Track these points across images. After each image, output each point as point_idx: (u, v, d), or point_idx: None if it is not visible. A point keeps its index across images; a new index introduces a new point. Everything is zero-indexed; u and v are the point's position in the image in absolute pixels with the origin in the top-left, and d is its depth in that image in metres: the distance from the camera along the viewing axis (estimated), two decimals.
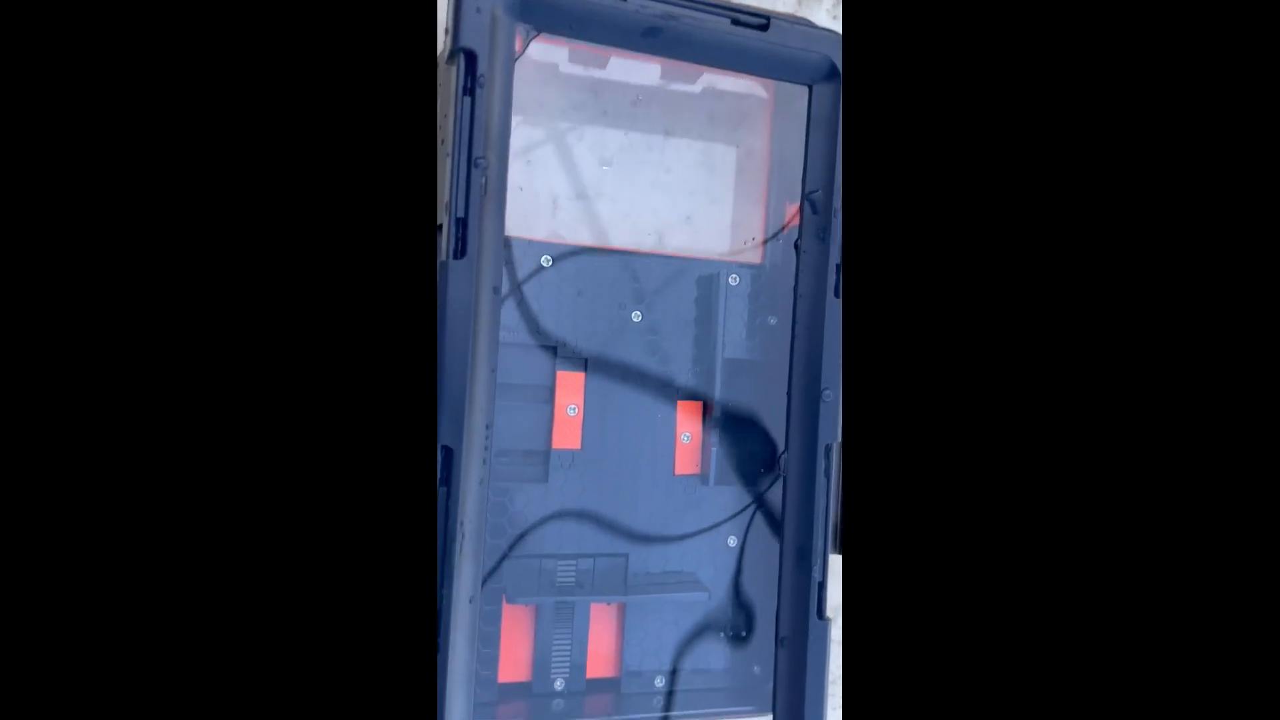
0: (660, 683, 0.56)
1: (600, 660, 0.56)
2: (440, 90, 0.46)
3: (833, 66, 0.51)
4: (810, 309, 0.52)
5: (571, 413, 0.54)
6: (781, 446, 0.54)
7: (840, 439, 0.52)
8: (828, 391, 0.51)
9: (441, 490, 0.43)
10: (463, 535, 0.44)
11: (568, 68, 0.59)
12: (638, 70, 0.61)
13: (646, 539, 0.56)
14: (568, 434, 0.54)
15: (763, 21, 0.49)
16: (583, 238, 0.59)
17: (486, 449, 0.45)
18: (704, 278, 0.57)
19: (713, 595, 0.57)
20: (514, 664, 0.54)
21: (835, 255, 0.51)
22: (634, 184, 0.60)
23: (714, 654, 0.57)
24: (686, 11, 0.48)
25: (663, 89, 0.61)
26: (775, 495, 0.55)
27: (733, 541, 0.57)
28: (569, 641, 0.54)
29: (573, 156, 0.59)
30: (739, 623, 0.58)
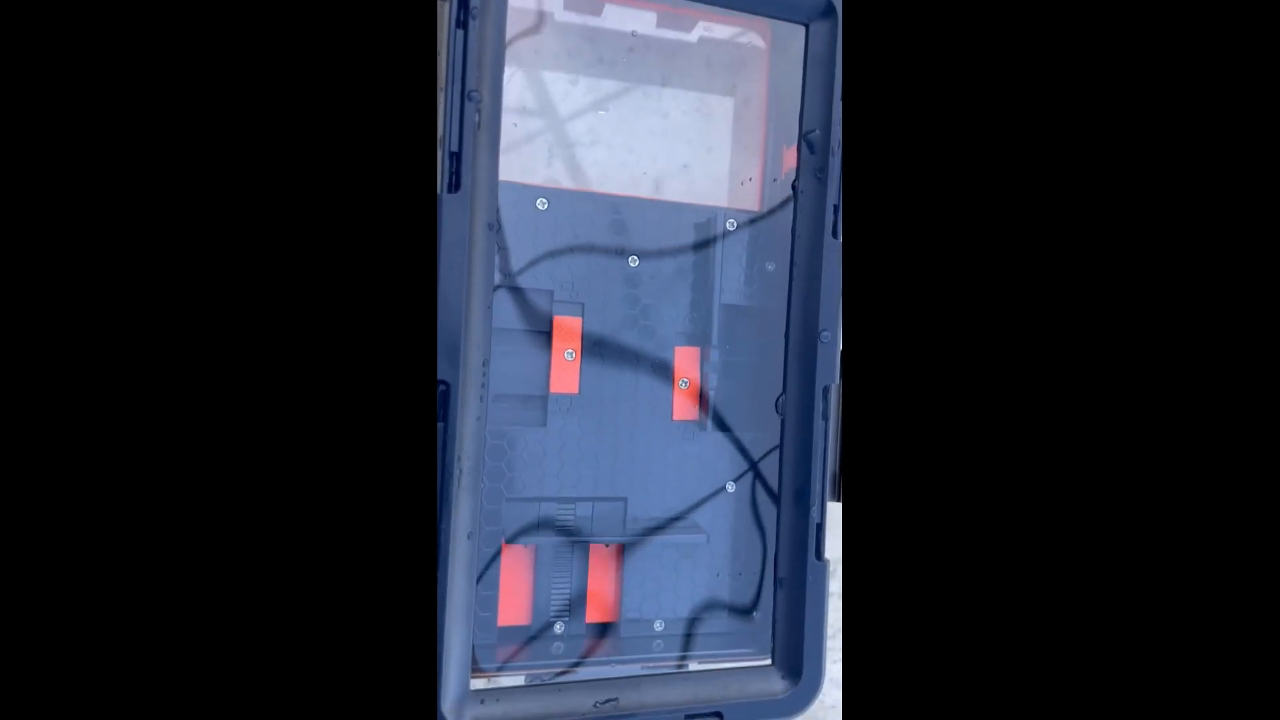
0: (660, 626, 0.56)
1: (600, 605, 0.56)
2: (440, 32, 0.45)
3: (829, 3, 0.51)
4: (808, 249, 0.52)
5: (569, 357, 0.54)
6: (779, 391, 0.54)
7: (839, 380, 0.52)
8: (825, 333, 0.51)
9: (440, 426, 0.43)
10: (460, 471, 0.44)
11: (563, 15, 0.59)
12: (633, 18, 0.60)
13: (645, 483, 0.56)
14: (565, 378, 0.54)
15: None
16: (578, 185, 0.58)
17: (484, 386, 0.45)
18: (701, 223, 0.57)
19: (711, 539, 0.57)
20: (514, 608, 0.54)
21: (833, 195, 0.51)
22: (631, 132, 0.60)
23: (714, 597, 0.57)
24: None
25: (659, 37, 0.61)
26: (773, 440, 0.55)
27: (731, 487, 0.57)
28: (568, 586, 0.54)
29: (568, 103, 0.59)
30: (738, 566, 0.58)
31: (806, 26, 0.52)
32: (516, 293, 0.53)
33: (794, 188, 0.52)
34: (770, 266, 0.58)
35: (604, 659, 0.54)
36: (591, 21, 0.60)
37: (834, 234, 0.51)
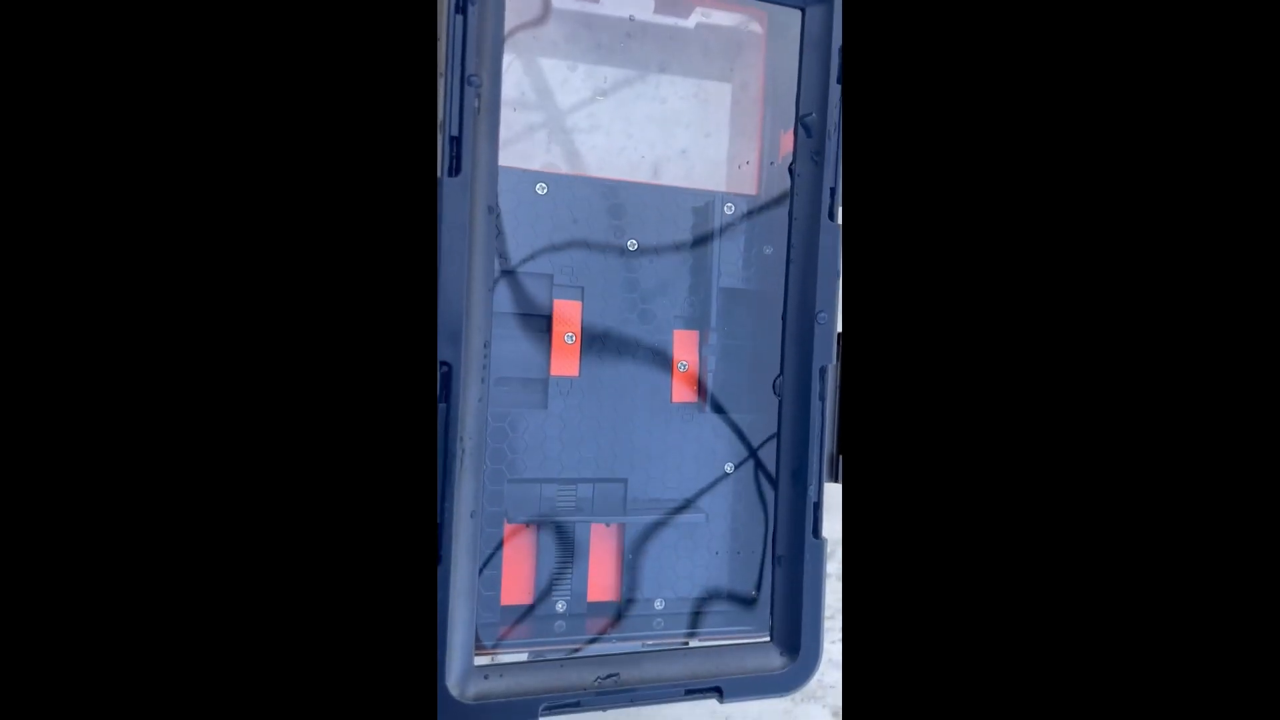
0: (660, 605, 0.57)
1: (601, 585, 0.57)
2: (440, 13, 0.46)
3: None
4: (805, 231, 0.52)
5: (569, 340, 0.55)
6: (777, 373, 0.54)
7: (836, 362, 0.53)
8: (822, 314, 0.52)
9: (441, 407, 0.44)
10: (463, 451, 0.45)
11: (561, 2, 0.59)
12: (631, 3, 0.60)
13: (645, 464, 0.56)
14: (566, 362, 0.55)
15: None
16: (577, 170, 0.59)
17: (485, 367, 0.46)
18: (699, 208, 0.58)
19: (710, 518, 0.58)
20: (516, 588, 0.55)
21: (829, 178, 0.51)
22: (629, 117, 0.61)
23: (713, 576, 0.58)
24: None
25: (656, 23, 0.61)
26: (771, 420, 0.55)
27: (729, 467, 0.58)
28: (570, 565, 0.55)
29: (567, 89, 0.59)
30: (736, 545, 0.59)
31: (803, 10, 0.52)
32: (517, 277, 0.54)
33: (791, 171, 0.53)
34: (768, 250, 0.58)
35: (605, 637, 0.55)
36: (590, 8, 0.60)
37: (831, 216, 0.51)
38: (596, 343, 0.55)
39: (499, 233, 0.52)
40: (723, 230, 0.58)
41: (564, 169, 0.58)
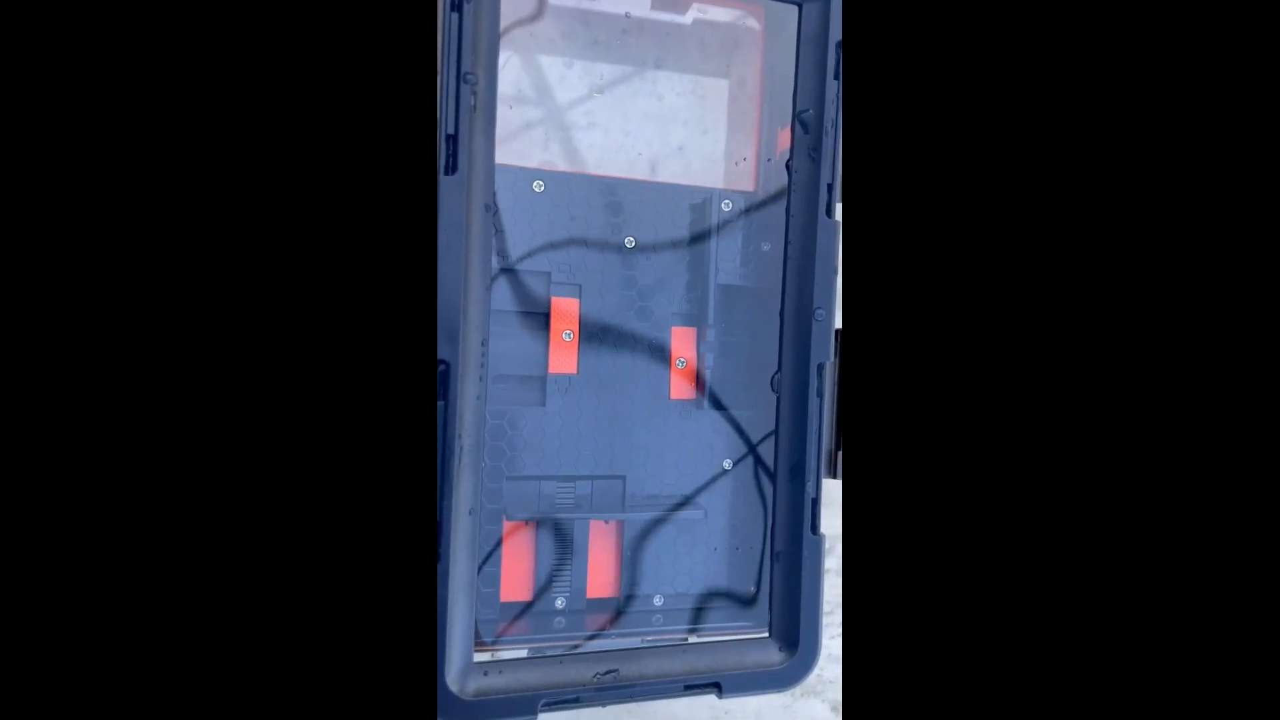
0: (659, 601, 0.57)
1: (600, 581, 0.57)
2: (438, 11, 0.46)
3: None
4: (802, 228, 0.52)
5: (567, 338, 0.55)
6: (775, 369, 0.54)
7: (833, 358, 0.53)
8: (819, 310, 0.52)
9: (440, 405, 0.44)
10: (461, 449, 0.45)
11: None
12: (627, 0, 0.60)
13: (643, 461, 0.56)
14: (564, 359, 0.55)
15: None
16: (575, 167, 0.59)
17: (483, 365, 0.46)
18: (696, 204, 0.58)
19: (708, 515, 0.58)
20: (516, 585, 0.55)
21: (826, 175, 0.51)
22: (626, 114, 0.61)
23: (712, 572, 0.58)
24: None
25: (653, 20, 0.61)
26: (768, 417, 0.55)
27: (727, 463, 0.58)
28: (569, 562, 0.55)
29: (564, 86, 0.59)
30: (735, 541, 0.59)
31: (800, 7, 0.52)
32: (514, 275, 0.54)
33: (788, 167, 0.53)
34: (765, 247, 0.58)
35: (604, 633, 0.55)
36: (586, 4, 0.60)
37: (828, 213, 0.51)
38: (594, 340, 0.55)
39: (497, 230, 0.53)
40: (720, 227, 0.58)
41: (561, 166, 0.58)
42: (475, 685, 0.45)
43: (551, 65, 0.59)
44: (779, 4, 0.55)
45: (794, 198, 0.53)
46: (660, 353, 0.57)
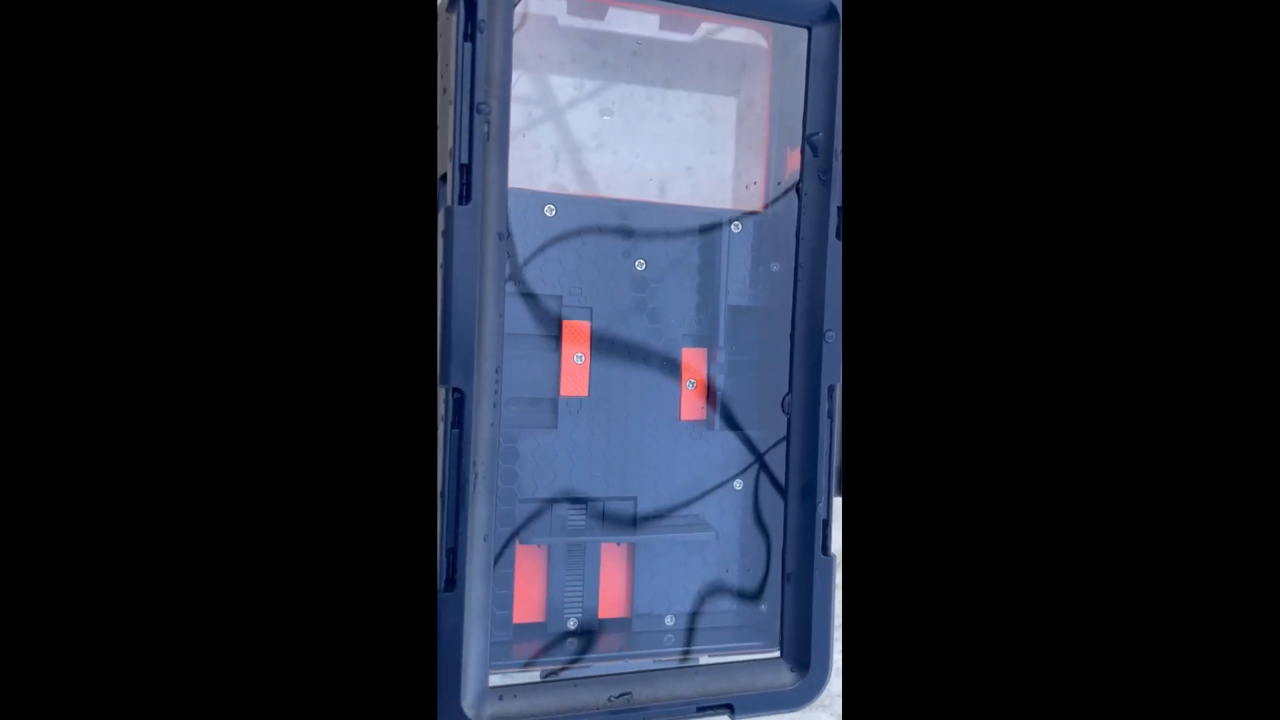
0: (671, 621, 0.57)
1: (612, 602, 0.57)
2: (440, 39, 0.46)
3: (831, 7, 0.51)
4: (812, 251, 0.52)
5: (578, 360, 0.55)
6: (785, 390, 0.55)
7: (841, 380, 0.53)
8: (830, 333, 0.52)
9: (453, 433, 0.44)
10: (476, 476, 0.45)
11: (566, 20, 0.59)
12: (636, 21, 0.61)
13: (654, 482, 0.57)
14: (575, 382, 0.55)
15: None
16: (585, 189, 0.59)
17: (496, 392, 0.46)
18: (706, 225, 0.58)
19: (719, 536, 0.58)
20: (528, 606, 0.55)
21: (836, 197, 0.52)
22: (635, 135, 0.61)
23: (723, 593, 0.59)
24: None
25: (661, 40, 0.61)
26: (779, 438, 0.56)
27: (739, 484, 0.58)
28: (581, 583, 0.56)
29: (574, 108, 0.60)
30: (746, 562, 0.59)
31: (809, 30, 0.52)
32: (526, 298, 0.54)
33: (798, 190, 0.53)
34: (775, 267, 0.59)
35: (617, 654, 0.56)
36: (596, 25, 0.60)
37: (838, 236, 0.52)
38: (605, 362, 0.56)
39: (509, 257, 0.53)
40: (730, 248, 0.58)
41: (572, 189, 0.59)
42: (491, 711, 0.45)
43: (561, 86, 0.59)
44: (787, 26, 0.55)
45: (804, 220, 0.53)
46: (671, 374, 0.57)
